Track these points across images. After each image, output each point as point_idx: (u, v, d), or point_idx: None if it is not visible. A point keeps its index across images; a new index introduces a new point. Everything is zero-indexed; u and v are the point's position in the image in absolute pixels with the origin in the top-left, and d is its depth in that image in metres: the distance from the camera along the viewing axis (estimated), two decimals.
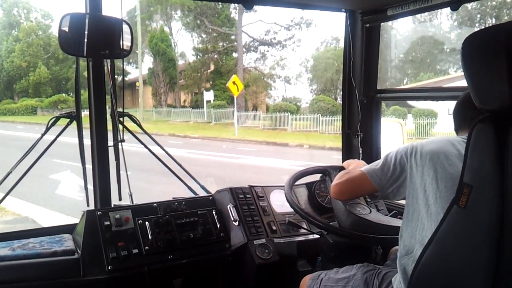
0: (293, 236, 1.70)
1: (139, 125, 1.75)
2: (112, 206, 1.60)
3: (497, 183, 0.81)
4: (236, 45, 26.33)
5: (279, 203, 1.78)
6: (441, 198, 1.06)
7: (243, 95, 23.17)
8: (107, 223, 1.47)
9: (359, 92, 2.03)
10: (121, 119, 1.63)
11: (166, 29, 27.39)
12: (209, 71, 26.83)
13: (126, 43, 1.56)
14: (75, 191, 6.63)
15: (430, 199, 1.09)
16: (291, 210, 1.59)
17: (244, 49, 26.72)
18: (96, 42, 1.50)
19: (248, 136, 16.27)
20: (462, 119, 1.24)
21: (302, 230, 1.71)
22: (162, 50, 24.84)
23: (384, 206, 1.88)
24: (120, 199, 1.66)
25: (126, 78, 27.37)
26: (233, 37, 26.67)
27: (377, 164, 1.28)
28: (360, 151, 2.02)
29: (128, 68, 27.99)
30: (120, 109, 1.60)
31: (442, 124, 13.86)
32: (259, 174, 8.30)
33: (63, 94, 29.53)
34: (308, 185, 1.85)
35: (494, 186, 0.82)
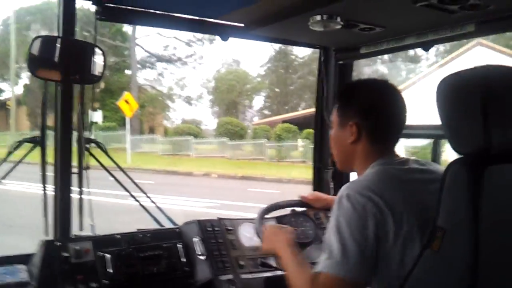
0: (262, 272, 1.64)
1: (106, 153, 1.70)
2: (72, 236, 1.52)
3: (471, 227, 0.80)
4: (130, 60, 24.88)
5: (248, 236, 1.73)
6: None
7: (138, 116, 21.89)
8: (66, 254, 1.41)
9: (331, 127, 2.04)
10: (87, 146, 1.59)
11: None
12: (98, 89, 24.69)
13: (98, 68, 1.54)
14: None
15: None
16: (260, 244, 1.53)
17: (139, 65, 25.41)
18: (66, 66, 1.48)
19: (144, 164, 14.03)
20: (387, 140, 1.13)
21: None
22: None
23: None
24: (81, 229, 1.60)
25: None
26: (126, 52, 25.19)
27: (333, 252, 0.96)
28: (331, 186, 2.03)
29: (2, 85, 24.07)
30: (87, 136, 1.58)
31: None
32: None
33: None
34: (278, 219, 1.81)
35: (467, 231, 0.80)
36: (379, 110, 1.11)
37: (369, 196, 0.97)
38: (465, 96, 0.84)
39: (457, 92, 0.87)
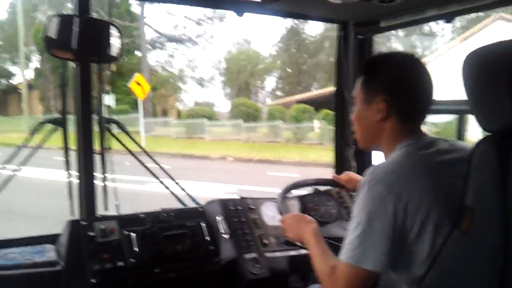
0: (286, 250, 1.65)
1: (127, 133, 1.70)
2: (97, 216, 1.53)
3: (500, 206, 0.79)
4: (139, 41, 24.60)
5: (270, 215, 1.74)
6: None
7: (150, 98, 21.84)
8: (92, 233, 1.42)
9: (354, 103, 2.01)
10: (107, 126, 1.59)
11: None
12: (108, 72, 24.68)
13: (114, 47, 1.52)
14: None
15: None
16: None
17: (149, 46, 25.08)
18: (84, 45, 1.45)
19: (159, 148, 13.35)
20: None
21: None
22: None
23: None
24: (106, 209, 1.61)
25: (11, 81, 23.66)
26: (135, 32, 24.96)
27: (352, 242, 0.94)
28: (353, 164, 2.00)
29: (13, 69, 24.25)
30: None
31: None
32: None
33: None
34: (301, 198, 1.81)
35: (497, 211, 0.79)
36: (408, 85, 1.03)
37: (392, 185, 0.93)
38: (492, 72, 0.82)
39: (484, 68, 0.84)
